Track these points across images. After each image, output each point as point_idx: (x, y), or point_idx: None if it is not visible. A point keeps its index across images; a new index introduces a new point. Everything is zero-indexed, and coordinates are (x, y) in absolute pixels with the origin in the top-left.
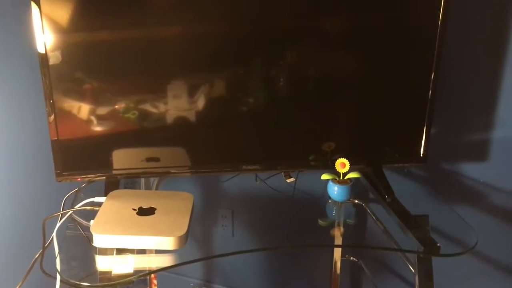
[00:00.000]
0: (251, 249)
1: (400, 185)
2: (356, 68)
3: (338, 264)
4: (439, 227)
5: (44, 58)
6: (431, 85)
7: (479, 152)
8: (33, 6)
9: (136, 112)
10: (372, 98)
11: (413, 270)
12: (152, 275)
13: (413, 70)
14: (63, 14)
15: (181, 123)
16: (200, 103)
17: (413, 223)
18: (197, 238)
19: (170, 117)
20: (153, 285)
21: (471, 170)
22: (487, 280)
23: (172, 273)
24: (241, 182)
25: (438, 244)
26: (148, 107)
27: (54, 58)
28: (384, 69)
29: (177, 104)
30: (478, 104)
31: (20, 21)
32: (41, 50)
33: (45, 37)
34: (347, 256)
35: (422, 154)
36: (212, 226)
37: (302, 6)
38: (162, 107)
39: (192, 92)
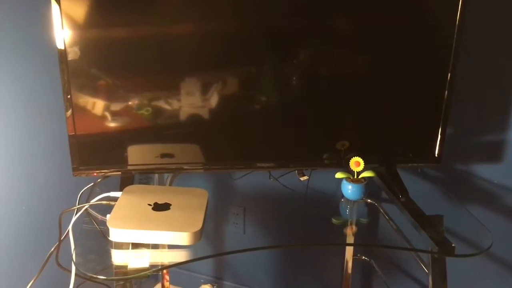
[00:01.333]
0: (262, 246)
1: (414, 185)
2: (372, 67)
3: (350, 264)
4: (453, 227)
5: (63, 53)
6: (447, 85)
7: (494, 153)
8: (53, 2)
9: (149, 108)
10: (387, 97)
11: (426, 271)
12: (165, 271)
13: (429, 70)
14: (81, 11)
15: (194, 120)
16: (213, 100)
17: (428, 223)
18: (209, 235)
19: (183, 114)
20: (165, 281)
21: (486, 171)
22: (500, 281)
23: (183, 269)
24: (254, 180)
25: (453, 245)
26: (161, 104)
27: (72, 54)
28: (400, 68)
29: (190, 101)
30: (494, 105)
31: (38, 18)
32: (60, 46)
33: (64, 33)
34: (358, 255)
35: (437, 154)
36: (224, 224)
37: (317, 5)
38: (175, 104)
39: (205, 90)
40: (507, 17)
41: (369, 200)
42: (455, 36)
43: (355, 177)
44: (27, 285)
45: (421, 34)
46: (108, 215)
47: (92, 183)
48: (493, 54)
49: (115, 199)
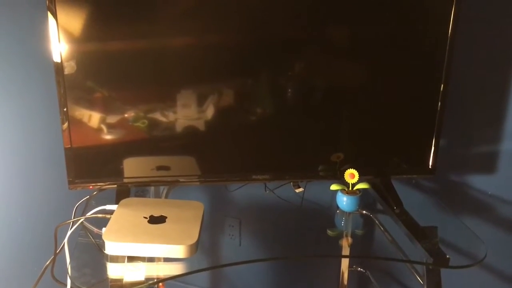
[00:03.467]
0: (258, 259)
1: (409, 196)
2: (365, 79)
3: (346, 275)
4: (447, 239)
5: (59, 66)
6: (440, 97)
7: (488, 164)
8: (50, 16)
9: (145, 121)
10: (381, 109)
11: (421, 282)
12: (161, 284)
13: (422, 82)
14: (78, 25)
15: (190, 132)
16: (209, 112)
17: (422, 234)
18: (205, 247)
19: (179, 126)
20: None
21: (480, 182)
22: None
23: (179, 281)
24: (249, 191)
25: (447, 256)
26: (157, 116)
27: (68, 67)
28: (394, 80)
29: (186, 113)
30: (487, 116)
31: (35, 31)
32: (56, 59)
33: (60, 46)
34: (354, 266)
35: (431, 166)
36: (220, 235)
37: (311, 17)
38: (171, 116)
39: (201, 102)
40: (498, 31)
41: (364, 212)
42: (447, 48)
43: (350, 188)
44: None
45: (414, 47)
46: (103, 228)
47: (88, 196)
48: (485, 67)
49: (110, 212)
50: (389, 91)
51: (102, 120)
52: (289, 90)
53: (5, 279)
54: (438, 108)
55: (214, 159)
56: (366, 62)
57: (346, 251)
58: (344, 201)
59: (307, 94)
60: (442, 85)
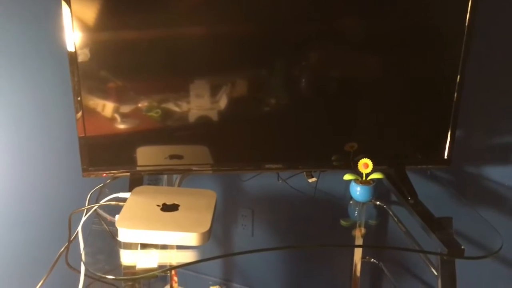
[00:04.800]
0: (271, 248)
1: (424, 187)
2: (381, 69)
3: (358, 266)
4: (463, 230)
5: (73, 56)
6: (456, 87)
7: (504, 155)
8: (64, 5)
9: (159, 110)
10: (396, 99)
11: (436, 273)
12: (173, 272)
13: (439, 72)
14: (91, 14)
15: (203, 121)
16: (223, 102)
17: (437, 225)
18: (217, 236)
19: (192, 116)
20: (173, 282)
21: (496, 173)
22: (511, 285)
23: (192, 270)
24: (262, 181)
25: (462, 247)
26: (171, 106)
27: (82, 56)
28: (410, 70)
29: (199, 103)
30: (504, 107)
31: (49, 20)
32: (70, 48)
33: (74, 36)
34: (367, 257)
35: (446, 156)
36: (232, 225)
37: (325, 8)
38: (184, 106)
39: (214, 92)
40: None
41: (377, 202)
42: (464, 38)
43: (364, 178)
44: (37, 285)
45: (430, 37)
46: (117, 216)
47: (102, 184)
48: (503, 57)
49: (124, 199)
50: (404, 81)
51: (116, 110)
52: (303, 80)
53: (20, 266)
54: (454, 99)
55: (227, 148)
56: (381, 52)
57: (359, 241)
58: (357, 191)
59: (321, 84)
60: (459, 76)
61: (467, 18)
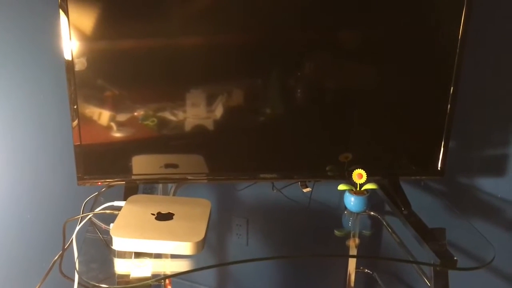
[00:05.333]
0: (265, 257)
1: (417, 198)
2: (375, 80)
3: (352, 277)
4: (456, 241)
5: (70, 64)
6: (450, 99)
7: (498, 166)
8: (61, 14)
9: (155, 119)
10: (390, 110)
11: (429, 284)
12: (167, 281)
13: (432, 83)
14: (89, 23)
15: (199, 131)
16: (218, 111)
17: (430, 236)
18: (212, 246)
19: (188, 125)
20: None
21: (489, 184)
22: None
23: (186, 280)
24: (257, 191)
25: (455, 258)
26: (167, 115)
27: (79, 65)
28: (403, 81)
29: (195, 112)
30: (497, 119)
31: (45, 29)
32: (67, 56)
33: (71, 44)
34: (361, 268)
35: (440, 167)
36: (227, 235)
37: (320, 19)
38: (180, 115)
39: (210, 101)
40: (508, 31)
41: (372, 213)
42: (458, 49)
43: (358, 189)
44: None
45: (423, 48)
46: (111, 224)
47: (97, 193)
48: (496, 68)
49: (118, 208)
50: (398, 92)
51: (112, 118)
52: (298, 90)
53: (14, 274)
54: (448, 110)
55: (222, 157)
56: (375, 63)
57: (353, 251)
58: (351, 202)
59: (316, 95)
60: (452, 87)
61: (461, 29)
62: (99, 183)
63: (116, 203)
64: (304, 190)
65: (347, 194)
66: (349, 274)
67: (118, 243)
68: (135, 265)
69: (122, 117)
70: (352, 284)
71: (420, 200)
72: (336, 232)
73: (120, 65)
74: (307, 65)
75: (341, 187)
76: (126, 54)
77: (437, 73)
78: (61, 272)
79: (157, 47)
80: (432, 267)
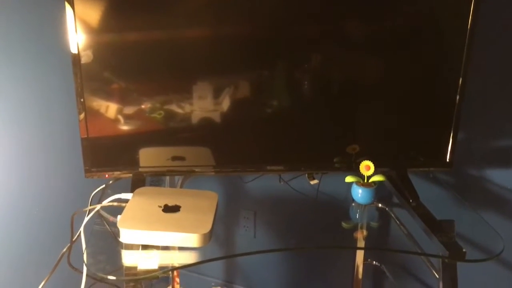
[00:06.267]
0: (272, 249)
1: (425, 190)
2: (383, 72)
3: (360, 269)
4: (464, 233)
5: (76, 57)
6: (459, 90)
7: (506, 158)
8: (67, 7)
9: (162, 112)
10: (398, 102)
11: (437, 276)
12: (175, 273)
13: (441, 74)
14: (95, 15)
15: (206, 123)
16: (225, 104)
17: (439, 228)
18: (219, 238)
19: (195, 118)
20: (175, 283)
21: (498, 176)
22: None
23: (194, 272)
24: (264, 183)
25: (463, 250)
26: (174, 107)
27: (85, 58)
28: (412, 73)
29: (202, 105)
30: (506, 110)
31: (52, 22)
32: (73, 50)
33: (77, 37)
34: (369, 260)
35: (448, 159)
36: (234, 227)
37: (328, 11)
38: (187, 108)
39: (217, 94)
40: None
41: (379, 205)
42: (467, 41)
43: (365, 181)
44: (39, 285)
45: (432, 39)
46: (119, 216)
47: (104, 185)
48: (506, 59)
49: (126, 200)
50: (406, 83)
51: (119, 111)
52: (306, 82)
53: (23, 266)
54: (457, 101)
55: (229, 150)
56: (384, 55)
57: (361, 243)
58: (359, 194)
59: (323, 87)
60: (461, 78)
61: (470, 21)
62: (107, 176)
63: (124, 196)
64: (312, 182)
65: (354, 186)
66: (357, 266)
67: (126, 235)
68: (143, 257)
69: (129, 110)
70: (360, 276)
71: (428, 192)
72: (344, 224)
73: (126, 57)
74: (314, 56)
75: (349, 179)
76: (132, 47)
77: (446, 64)
78: (70, 264)
79: (163, 39)
80: (440, 259)
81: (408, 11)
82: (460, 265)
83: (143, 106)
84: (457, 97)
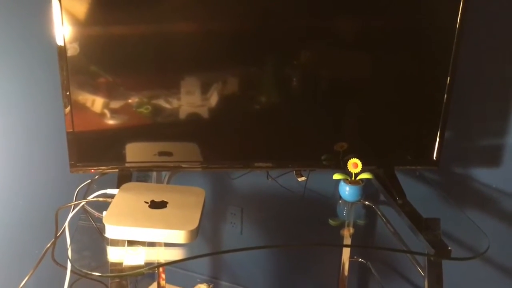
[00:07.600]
0: (259, 246)
1: (412, 188)
2: (371, 69)
3: (346, 266)
4: (450, 231)
5: (62, 50)
6: (446, 89)
7: (493, 157)
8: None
9: (149, 107)
10: (386, 100)
11: (423, 274)
12: (161, 269)
13: (429, 73)
14: (82, 8)
15: (193, 119)
16: (213, 100)
17: (424, 226)
18: (206, 234)
19: (183, 113)
20: (161, 279)
21: (484, 175)
22: (497, 286)
23: (179, 268)
24: (252, 180)
25: (449, 248)
26: (161, 102)
27: (71, 51)
28: (400, 71)
29: (190, 100)
30: (493, 109)
31: (37, 14)
32: (60, 42)
33: (64, 30)
34: (355, 257)
35: (435, 157)
36: (221, 223)
37: (317, 7)
38: (175, 103)
39: (205, 89)
40: (504, 23)
41: (366, 202)
42: (455, 39)
43: (353, 178)
44: (23, 281)
45: (420, 38)
46: (104, 212)
47: (89, 180)
48: (493, 58)
49: (112, 196)
50: (394, 81)
51: (105, 105)
52: (294, 79)
53: (6, 262)
54: (444, 100)
55: (217, 146)
56: (372, 52)
57: (347, 241)
58: (346, 191)
59: (312, 83)
60: (449, 78)
61: (458, 20)
62: (92, 171)
63: (109, 191)
64: (299, 179)
65: (342, 183)
66: (343, 263)
67: (111, 231)
68: (128, 253)
69: (115, 104)
70: (346, 273)
71: (415, 190)
72: (331, 222)
73: (113, 51)
74: (303, 53)
75: (336, 176)
76: (119, 40)
77: (434, 63)
78: (54, 260)
79: (151, 33)
80: (426, 257)
81: (397, 9)
82: (445, 263)
83: (130, 101)
84: (445, 96)
